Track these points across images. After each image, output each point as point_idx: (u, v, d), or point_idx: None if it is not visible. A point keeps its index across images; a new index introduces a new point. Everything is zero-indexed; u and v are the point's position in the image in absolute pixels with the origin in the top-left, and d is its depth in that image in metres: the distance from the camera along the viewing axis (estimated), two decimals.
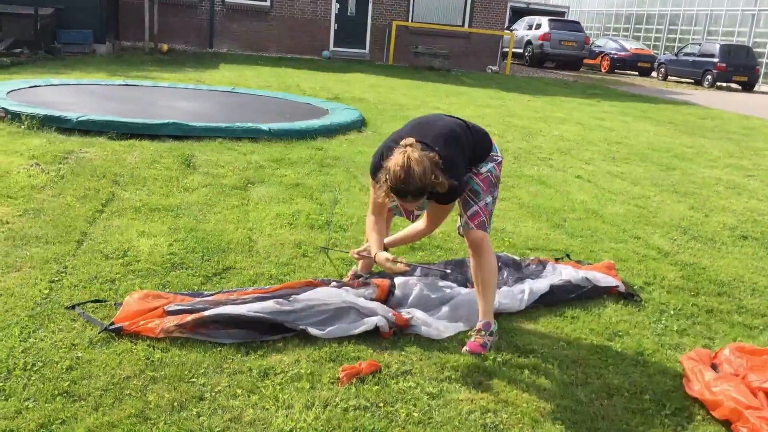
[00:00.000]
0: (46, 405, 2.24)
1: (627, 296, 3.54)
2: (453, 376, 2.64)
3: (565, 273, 3.61)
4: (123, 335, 2.71)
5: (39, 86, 8.35)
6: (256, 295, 3.04)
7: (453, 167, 2.65)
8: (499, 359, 2.79)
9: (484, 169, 2.96)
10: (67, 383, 2.37)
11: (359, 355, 2.73)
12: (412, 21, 19.70)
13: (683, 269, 4.08)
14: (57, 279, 3.17)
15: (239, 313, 2.81)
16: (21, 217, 3.92)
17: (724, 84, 22.67)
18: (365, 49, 19.70)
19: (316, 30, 19.08)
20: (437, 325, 3.00)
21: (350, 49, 19.45)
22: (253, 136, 6.60)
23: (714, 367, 2.79)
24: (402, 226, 3.33)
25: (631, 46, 26.39)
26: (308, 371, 2.58)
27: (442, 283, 3.35)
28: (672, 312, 3.44)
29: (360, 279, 3.32)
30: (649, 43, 29.91)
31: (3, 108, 6.45)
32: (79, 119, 6.27)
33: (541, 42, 24.10)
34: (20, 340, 2.62)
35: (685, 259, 4.28)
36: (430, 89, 13.28)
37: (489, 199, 2.95)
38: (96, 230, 3.84)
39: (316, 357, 2.69)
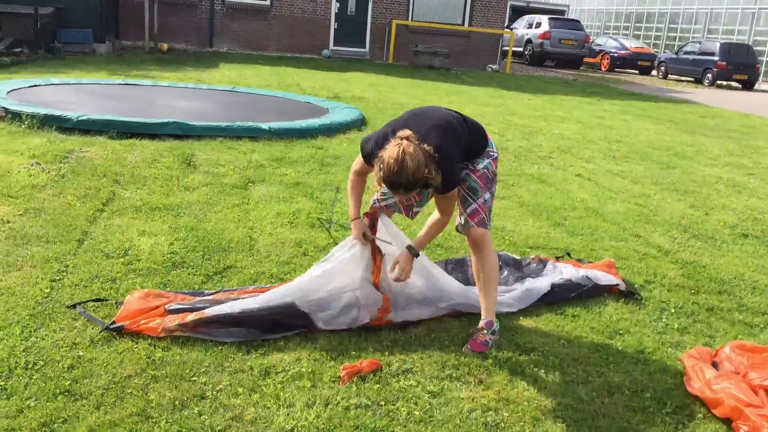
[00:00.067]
0: (48, 404, 2.24)
1: (627, 294, 3.54)
2: (454, 375, 2.65)
3: (565, 272, 3.61)
4: (124, 334, 2.71)
5: (39, 86, 8.35)
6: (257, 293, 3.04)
7: (447, 160, 2.66)
8: (500, 357, 2.79)
9: (480, 166, 2.96)
10: (69, 382, 2.38)
11: (360, 354, 2.73)
12: (412, 20, 19.69)
13: (684, 267, 4.08)
14: (58, 278, 3.17)
15: (243, 309, 2.81)
16: (22, 217, 3.92)
17: (725, 82, 22.66)
18: (365, 48, 19.70)
19: (316, 29, 19.08)
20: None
21: (350, 48, 19.44)
22: (254, 135, 6.60)
23: (714, 365, 2.79)
24: (401, 219, 3.33)
25: (631, 44, 26.38)
26: (309, 370, 2.58)
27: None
28: (672, 310, 3.45)
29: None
30: (649, 41, 29.90)
31: (3, 107, 6.45)
32: (80, 118, 6.27)
33: (541, 40, 24.10)
34: (21, 339, 2.62)
35: (686, 257, 4.28)
36: (430, 88, 13.28)
37: (487, 195, 2.95)
38: (97, 229, 3.84)
39: (317, 356, 2.69)
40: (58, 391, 2.32)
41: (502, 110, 10.83)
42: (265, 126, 6.77)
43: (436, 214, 3.00)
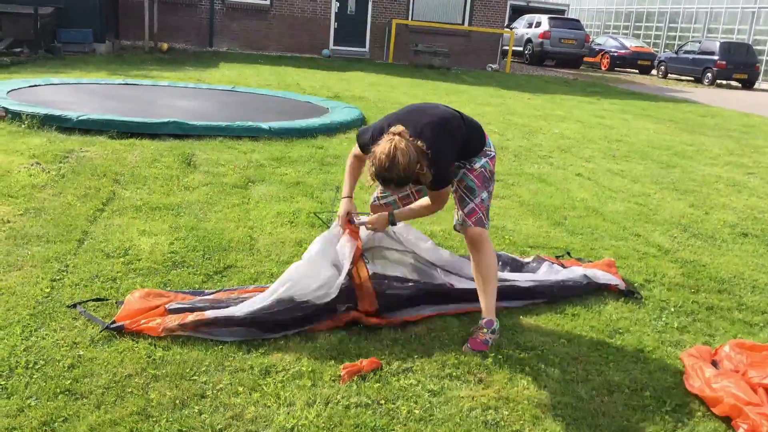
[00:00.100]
0: (48, 403, 2.25)
1: (627, 293, 3.54)
2: (454, 374, 2.65)
3: (565, 271, 3.61)
4: (124, 333, 2.71)
5: (39, 85, 8.35)
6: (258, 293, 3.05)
7: (440, 157, 2.67)
8: (499, 356, 2.79)
9: (477, 165, 2.96)
10: (69, 381, 2.38)
11: (360, 353, 2.73)
12: (412, 19, 19.69)
13: (683, 266, 4.08)
14: (58, 278, 3.18)
15: (248, 311, 2.82)
16: (22, 216, 3.93)
17: (724, 82, 22.65)
18: (365, 47, 19.69)
19: (316, 28, 19.08)
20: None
21: (350, 48, 19.44)
22: (254, 134, 6.60)
23: (714, 363, 2.79)
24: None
25: (631, 43, 26.37)
26: (309, 369, 2.58)
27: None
28: (672, 309, 3.45)
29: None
30: (649, 40, 29.90)
31: (3, 107, 6.46)
32: (80, 118, 6.27)
33: (541, 40, 24.09)
34: (22, 339, 2.62)
35: (686, 256, 4.29)
36: (430, 87, 13.29)
37: (484, 194, 2.95)
38: (97, 229, 3.85)
39: (318, 355, 2.70)
40: (58, 390, 2.32)
41: (502, 110, 10.83)
42: (265, 125, 6.77)
43: (426, 199, 3.00)
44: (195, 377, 2.48)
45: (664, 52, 27.28)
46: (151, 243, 3.69)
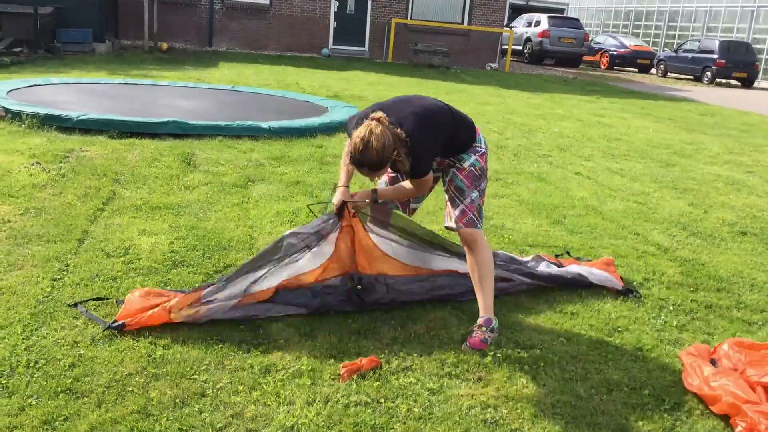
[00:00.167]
0: (49, 402, 2.26)
1: (626, 292, 3.55)
2: (453, 372, 2.66)
3: (563, 269, 3.63)
4: (125, 332, 2.72)
5: (39, 85, 8.36)
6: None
7: (419, 146, 2.69)
8: (499, 355, 2.80)
9: (467, 164, 2.96)
10: (70, 380, 2.39)
11: (360, 352, 2.74)
12: (411, 18, 19.69)
13: (682, 265, 4.09)
14: (59, 277, 3.19)
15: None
16: (22, 216, 3.93)
17: (724, 80, 22.66)
18: (364, 46, 19.69)
19: (316, 28, 19.08)
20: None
21: (349, 47, 19.44)
22: (253, 134, 6.61)
23: (713, 362, 2.80)
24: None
25: (631, 42, 26.38)
26: (309, 368, 2.59)
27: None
28: (671, 308, 3.46)
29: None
30: (648, 39, 29.89)
31: (3, 107, 6.46)
32: (80, 118, 6.28)
33: (540, 39, 24.10)
34: (23, 338, 2.63)
35: (685, 255, 4.29)
36: (430, 87, 13.29)
37: (475, 194, 2.95)
38: (97, 228, 3.85)
39: (317, 353, 2.71)
40: (59, 389, 2.33)
41: (502, 109, 10.84)
42: (264, 125, 6.78)
43: (409, 182, 2.99)
44: (195, 376, 2.49)
45: (663, 50, 27.28)
46: (151, 242, 3.69)
